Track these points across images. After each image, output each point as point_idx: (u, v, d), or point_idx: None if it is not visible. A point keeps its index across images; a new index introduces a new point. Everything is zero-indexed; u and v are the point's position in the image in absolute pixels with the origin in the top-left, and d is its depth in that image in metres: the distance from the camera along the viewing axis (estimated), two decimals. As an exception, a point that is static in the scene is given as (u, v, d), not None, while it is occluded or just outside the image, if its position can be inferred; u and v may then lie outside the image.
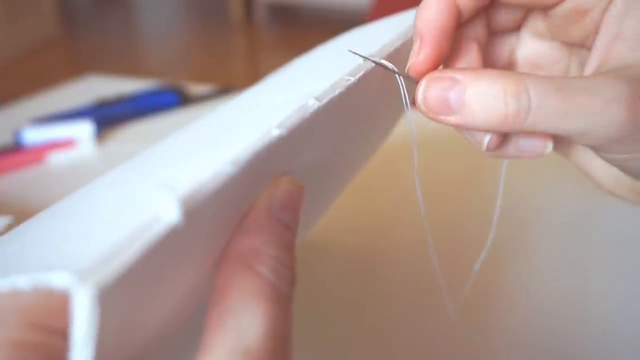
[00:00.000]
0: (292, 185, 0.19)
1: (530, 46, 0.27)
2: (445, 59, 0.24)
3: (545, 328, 0.32)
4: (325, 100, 0.19)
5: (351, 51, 0.23)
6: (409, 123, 0.23)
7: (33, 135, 0.55)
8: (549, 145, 0.23)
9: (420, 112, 0.22)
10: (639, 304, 0.34)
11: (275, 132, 0.17)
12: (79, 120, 0.57)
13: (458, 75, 0.21)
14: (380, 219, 0.43)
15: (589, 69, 0.24)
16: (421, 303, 0.34)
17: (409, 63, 0.23)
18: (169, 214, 0.14)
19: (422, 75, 0.23)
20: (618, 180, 0.26)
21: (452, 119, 0.21)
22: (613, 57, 0.23)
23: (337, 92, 0.20)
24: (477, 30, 0.26)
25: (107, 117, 0.61)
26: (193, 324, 0.19)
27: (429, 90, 0.21)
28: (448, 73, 0.21)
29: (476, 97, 0.21)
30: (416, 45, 0.23)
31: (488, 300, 0.34)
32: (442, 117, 0.22)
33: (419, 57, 0.23)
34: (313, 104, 0.19)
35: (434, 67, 0.23)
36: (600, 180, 0.27)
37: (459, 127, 0.23)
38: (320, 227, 0.38)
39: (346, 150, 0.27)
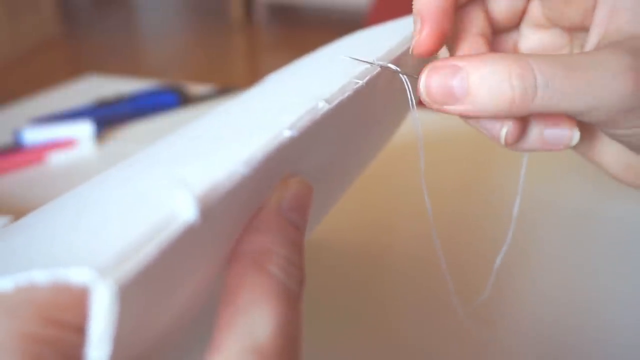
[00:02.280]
0: (302, 186, 0.19)
1: (531, 38, 0.27)
2: (448, 39, 0.24)
3: (555, 323, 0.32)
4: (334, 103, 0.20)
5: (354, 58, 0.23)
6: (415, 123, 0.23)
7: (33, 135, 0.55)
8: (576, 136, 0.22)
9: (424, 103, 0.22)
10: None
11: (287, 134, 0.18)
12: (79, 120, 0.57)
13: (459, 62, 0.21)
14: (386, 216, 0.43)
15: (590, 46, 0.23)
16: (428, 299, 0.34)
17: (412, 43, 0.23)
18: (187, 213, 0.14)
19: (426, 54, 0.22)
20: (628, 166, 0.26)
21: (458, 107, 0.21)
22: (613, 30, 0.22)
23: (346, 94, 0.20)
24: (483, 27, 0.26)
25: (107, 117, 0.61)
26: (201, 322, 0.19)
27: (431, 80, 0.21)
28: (449, 61, 0.21)
29: (480, 82, 0.20)
30: (417, 26, 0.23)
31: (497, 297, 0.34)
32: (447, 107, 0.21)
33: (421, 36, 0.22)
34: (323, 107, 0.19)
35: (437, 47, 0.23)
36: (610, 169, 0.26)
37: (465, 116, 0.22)
38: (326, 225, 0.38)
39: (353, 151, 0.28)
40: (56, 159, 0.54)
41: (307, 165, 0.21)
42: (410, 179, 0.48)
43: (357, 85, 0.21)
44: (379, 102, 0.26)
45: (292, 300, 0.17)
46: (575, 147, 0.27)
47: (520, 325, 0.33)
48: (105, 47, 2.67)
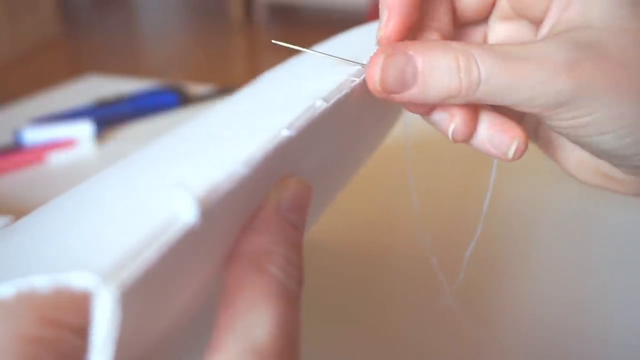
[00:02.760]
0: (301, 186, 0.19)
1: (499, 30, 0.27)
2: (415, 30, 0.23)
3: (554, 323, 0.32)
4: (332, 101, 0.20)
5: (345, 59, 0.23)
6: (405, 122, 0.23)
7: (33, 135, 0.55)
8: (512, 149, 0.22)
9: (373, 90, 0.21)
10: (637, 294, 0.34)
11: (285, 133, 0.18)
12: (79, 120, 0.57)
13: (409, 50, 0.21)
14: (383, 216, 0.43)
15: (540, 36, 0.23)
16: (427, 299, 0.34)
17: (378, 35, 0.23)
18: (187, 215, 0.14)
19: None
20: (580, 162, 0.26)
21: (406, 94, 0.21)
22: (563, 21, 0.22)
23: (343, 92, 0.20)
24: (441, 23, 0.25)
25: (107, 117, 0.61)
26: (201, 323, 0.19)
27: (388, 71, 0.21)
28: (399, 48, 0.21)
29: (430, 72, 0.21)
30: (383, 16, 0.22)
31: (497, 297, 0.34)
32: (395, 96, 0.21)
33: (387, 28, 0.22)
34: (320, 105, 0.19)
35: (403, 39, 0.22)
36: (565, 165, 0.27)
37: (410, 102, 0.22)
38: (325, 226, 0.38)
39: (350, 149, 0.28)
40: (56, 159, 0.54)
41: (305, 164, 0.21)
42: (404, 179, 0.48)
43: (354, 83, 0.21)
44: (376, 99, 0.26)
45: (292, 301, 0.16)
46: (538, 145, 0.27)
47: (520, 325, 0.33)
48: (105, 47, 2.67)
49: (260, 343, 0.15)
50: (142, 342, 0.14)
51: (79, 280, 0.12)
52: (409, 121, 0.23)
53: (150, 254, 0.13)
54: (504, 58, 0.20)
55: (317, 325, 0.32)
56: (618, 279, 0.36)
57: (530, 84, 0.20)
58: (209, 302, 0.18)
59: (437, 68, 0.21)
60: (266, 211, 0.18)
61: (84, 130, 0.56)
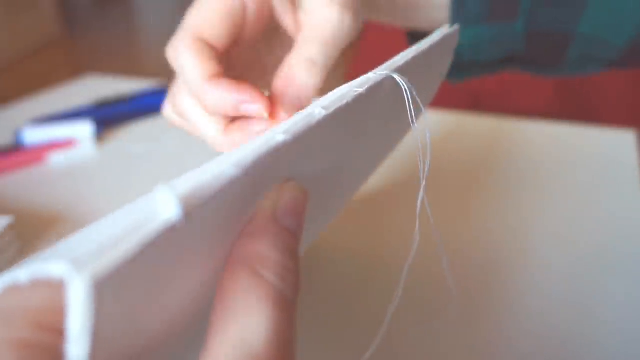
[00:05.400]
0: (297, 192, 0.19)
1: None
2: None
3: (552, 321, 0.32)
4: (332, 110, 0.20)
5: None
6: (415, 136, 0.23)
7: (33, 135, 0.55)
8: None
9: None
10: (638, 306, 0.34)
11: (280, 138, 0.17)
12: (79, 120, 0.57)
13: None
14: (378, 220, 0.43)
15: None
16: (425, 299, 0.34)
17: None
18: (168, 211, 0.14)
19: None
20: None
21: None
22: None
23: (344, 102, 0.20)
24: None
25: (107, 117, 0.61)
26: (196, 326, 0.19)
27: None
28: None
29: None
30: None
31: (495, 295, 0.35)
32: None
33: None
34: (320, 113, 0.19)
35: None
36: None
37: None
38: (323, 235, 0.39)
39: (353, 161, 0.28)
40: (56, 159, 0.54)
41: (305, 172, 0.21)
42: (408, 189, 0.48)
43: (357, 93, 0.21)
44: (380, 113, 0.26)
45: (287, 307, 0.16)
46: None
47: (521, 324, 0.33)
48: (105, 47, 2.67)
49: (255, 349, 0.15)
50: (132, 342, 0.14)
51: (53, 269, 0.12)
52: (420, 138, 0.23)
53: (127, 247, 0.13)
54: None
55: (313, 332, 0.32)
56: (618, 279, 0.36)
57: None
58: (204, 306, 0.18)
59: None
60: (262, 216, 0.18)
61: (84, 130, 0.56)
